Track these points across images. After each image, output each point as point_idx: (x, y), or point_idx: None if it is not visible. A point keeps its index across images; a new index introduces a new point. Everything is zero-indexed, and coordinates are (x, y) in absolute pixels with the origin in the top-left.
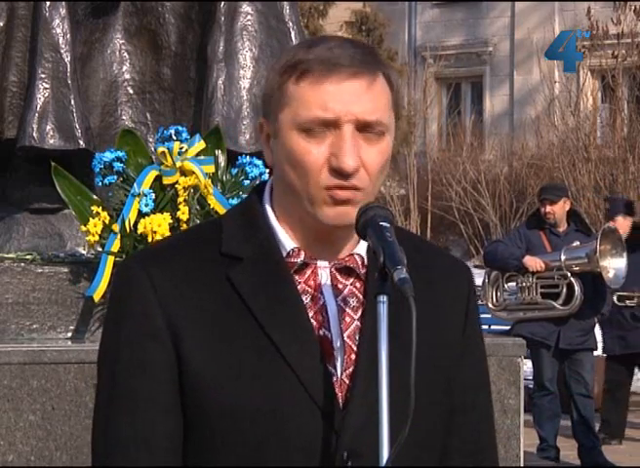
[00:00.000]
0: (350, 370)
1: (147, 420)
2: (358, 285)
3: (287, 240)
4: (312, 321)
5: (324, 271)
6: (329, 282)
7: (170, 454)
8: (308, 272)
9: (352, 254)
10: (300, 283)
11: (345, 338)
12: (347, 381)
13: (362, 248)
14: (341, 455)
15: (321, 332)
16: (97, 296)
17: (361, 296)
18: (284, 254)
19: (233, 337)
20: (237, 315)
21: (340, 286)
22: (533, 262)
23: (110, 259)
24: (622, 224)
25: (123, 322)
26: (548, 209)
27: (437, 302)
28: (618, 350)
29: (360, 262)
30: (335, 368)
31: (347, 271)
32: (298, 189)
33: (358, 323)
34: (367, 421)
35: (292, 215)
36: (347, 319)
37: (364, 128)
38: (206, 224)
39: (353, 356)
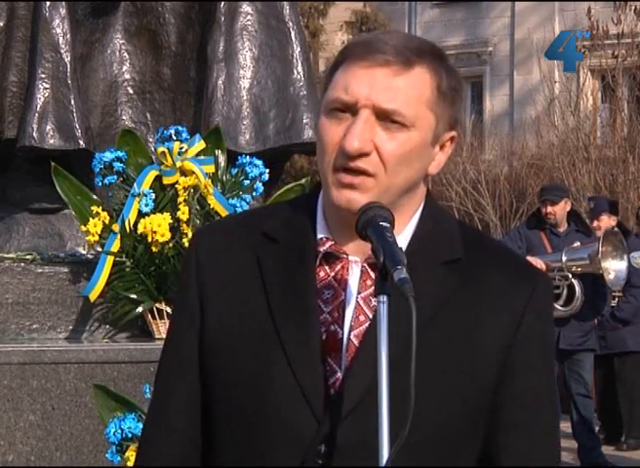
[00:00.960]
0: (348, 367)
1: (172, 374)
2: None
3: (321, 228)
4: (327, 316)
5: (355, 266)
6: (357, 277)
7: (187, 425)
8: (339, 266)
9: None
10: (328, 276)
11: (352, 337)
12: (343, 377)
13: (401, 241)
14: (318, 448)
15: (331, 328)
16: (92, 296)
17: None
18: (316, 242)
19: (244, 314)
20: (255, 293)
21: (369, 282)
22: (534, 263)
23: (109, 259)
24: (607, 223)
25: (178, 290)
26: (549, 209)
27: (479, 307)
28: (599, 350)
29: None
30: (339, 365)
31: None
32: (321, 171)
33: (370, 322)
34: (348, 416)
35: (327, 203)
36: (362, 317)
37: (383, 116)
38: (266, 207)
39: (354, 354)
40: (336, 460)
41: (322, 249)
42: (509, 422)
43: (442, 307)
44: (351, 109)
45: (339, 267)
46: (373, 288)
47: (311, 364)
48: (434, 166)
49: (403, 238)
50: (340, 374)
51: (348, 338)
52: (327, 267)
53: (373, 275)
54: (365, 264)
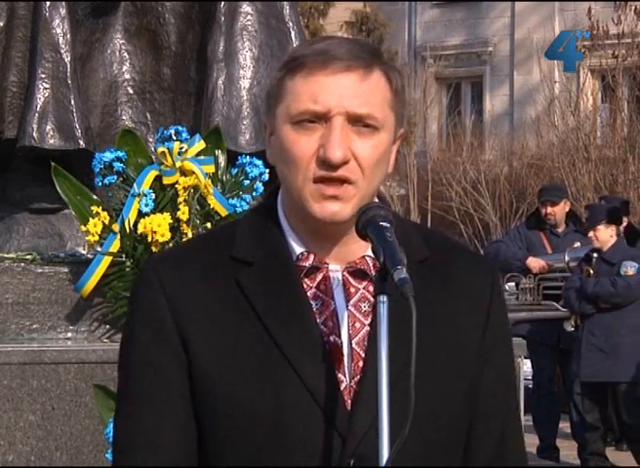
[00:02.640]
0: (359, 376)
1: (157, 420)
2: (371, 288)
3: (297, 243)
4: (322, 327)
5: (336, 275)
6: (341, 286)
7: (180, 456)
8: (319, 276)
9: (364, 257)
10: (311, 288)
11: (354, 345)
12: (356, 388)
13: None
14: (348, 462)
15: (331, 339)
16: (84, 292)
17: (373, 300)
18: (294, 258)
19: (239, 341)
20: (245, 319)
21: (353, 290)
22: (536, 264)
23: (106, 260)
24: (605, 233)
25: (136, 325)
26: (549, 210)
27: (455, 302)
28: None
29: (372, 264)
30: (344, 375)
31: (360, 274)
32: (291, 184)
33: (368, 328)
34: (372, 428)
35: (296, 216)
36: (357, 324)
37: (355, 121)
38: (222, 228)
39: (361, 363)
40: None
41: (307, 263)
42: (485, 410)
43: (426, 306)
44: (322, 118)
45: (320, 277)
46: (360, 294)
47: (325, 378)
48: (391, 165)
49: None
50: (347, 383)
51: (350, 347)
52: (307, 279)
53: (354, 282)
54: (345, 272)
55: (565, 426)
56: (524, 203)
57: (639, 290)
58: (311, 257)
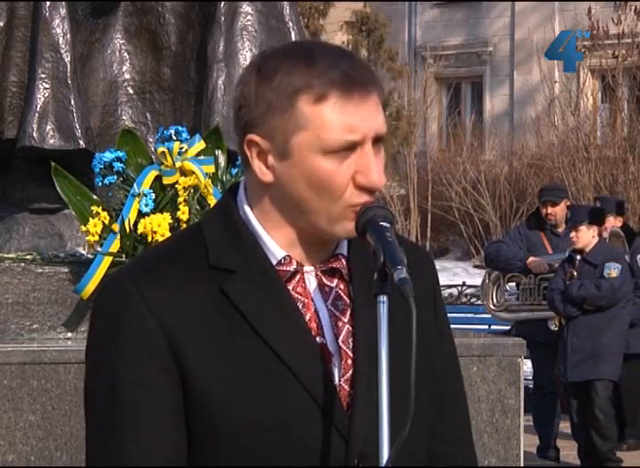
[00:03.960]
0: (348, 375)
1: (151, 440)
2: (342, 286)
3: (275, 248)
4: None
5: (311, 276)
6: (316, 286)
7: None
8: (296, 278)
9: (337, 255)
10: (289, 291)
11: (340, 344)
12: (346, 387)
13: (344, 247)
14: (353, 462)
15: (318, 340)
16: (85, 295)
17: (347, 298)
18: (274, 263)
19: (235, 352)
20: (237, 328)
21: (327, 289)
22: (537, 265)
23: (106, 260)
24: (613, 224)
25: (122, 343)
26: (550, 210)
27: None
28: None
29: (345, 262)
30: (333, 374)
31: (332, 272)
32: (315, 208)
33: (349, 326)
34: (373, 425)
35: (284, 226)
36: (339, 324)
37: (377, 141)
38: (186, 234)
39: (350, 361)
40: None
41: (290, 268)
42: (440, 390)
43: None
44: (355, 146)
45: (296, 280)
46: (335, 293)
47: (324, 382)
48: None
49: (343, 243)
50: (336, 382)
51: (337, 346)
52: (286, 283)
53: (327, 282)
54: (318, 272)
55: (565, 426)
56: (524, 203)
57: (623, 291)
58: (294, 262)
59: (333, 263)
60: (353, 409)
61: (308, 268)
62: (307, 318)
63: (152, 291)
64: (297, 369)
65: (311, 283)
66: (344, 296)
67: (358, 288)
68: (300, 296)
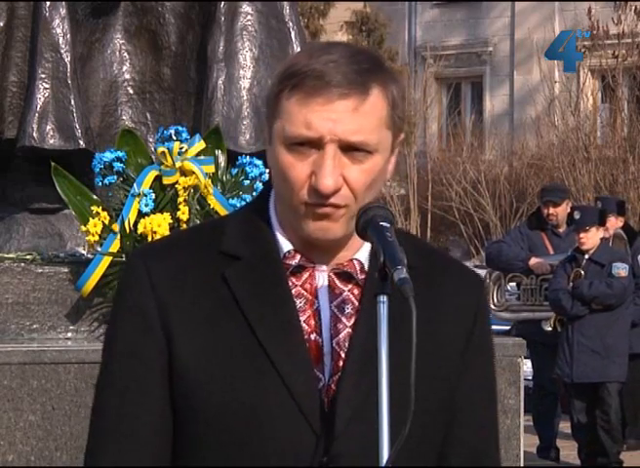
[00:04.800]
0: (337, 376)
1: (134, 411)
2: (356, 291)
3: (285, 242)
4: (304, 325)
5: (322, 275)
6: (326, 286)
7: (155, 446)
8: (305, 275)
9: (352, 260)
10: (296, 286)
11: (334, 344)
12: (334, 387)
13: (362, 254)
14: (321, 459)
15: (312, 337)
16: (85, 291)
17: (357, 303)
18: (281, 256)
19: (223, 335)
20: (229, 313)
21: (337, 291)
22: (539, 266)
23: (105, 260)
24: (615, 224)
25: (120, 314)
26: (552, 210)
27: (439, 310)
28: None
29: (359, 268)
30: (323, 373)
31: (346, 276)
32: (285, 199)
33: (350, 330)
34: (349, 427)
35: (287, 219)
36: (339, 325)
37: (348, 148)
38: (209, 223)
39: (341, 362)
40: None
41: (293, 262)
42: (463, 418)
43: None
44: (315, 144)
45: (305, 276)
46: (344, 296)
47: (304, 377)
48: (390, 172)
49: (365, 250)
50: (325, 383)
51: (331, 346)
52: (293, 278)
53: (340, 284)
54: (331, 273)
55: (565, 426)
56: (524, 203)
57: (630, 290)
58: (298, 256)
59: (346, 267)
60: (330, 409)
61: (320, 267)
62: (307, 315)
63: (157, 267)
64: (277, 360)
65: (321, 282)
66: (355, 301)
67: (367, 293)
68: (305, 293)
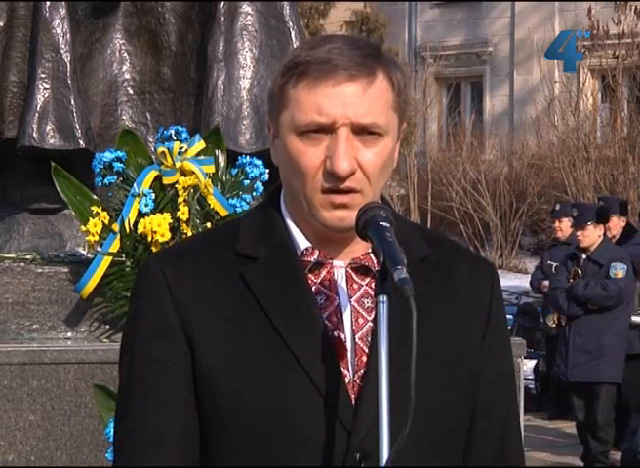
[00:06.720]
0: (362, 371)
1: (159, 416)
2: (374, 285)
3: (301, 239)
4: (327, 322)
5: (339, 271)
6: (344, 282)
7: (182, 450)
8: (324, 272)
9: (368, 253)
10: (315, 283)
11: (357, 340)
12: (360, 383)
13: None
14: (354, 456)
15: (335, 334)
16: (84, 294)
17: None
18: (298, 254)
19: (245, 335)
20: (250, 313)
21: (356, 286)
22: None
23: (106, 260)
24: (617, 224)
25: (138, 319)
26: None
27: (456, 299)
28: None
29: (376, 261)
30: (347, 369)
31: (364, 270)
32: (297, 191)
33: (371, 324)
34: (376, 423)
35: (300, 215)
36: (361, 320)
37: (360, 130)
38: (226, 224)
39: (364, 358)
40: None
41: (312, 259)
42: (485, 407)
43: (426, 303)
44: (327, 129)
45: (324, 273)
46: (363, 290)
47: (331, 374)
48: (396, 160)
49: None
50: (350, 378)
51: (354, 342)
52: (311, 275)
53: (357, 278)
54: (348, 268)
55: (565, 426)
56: (524, 203)
57: (627, 292)
58: (316, 253)
59: (363, 260)
60: (358, 405)
61: (338, 263)
62: (329, 312)
63: (174, 271)
64: (303, 359)
65: (340, 278)
66: (373, 294)
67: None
68: (324, 289)
